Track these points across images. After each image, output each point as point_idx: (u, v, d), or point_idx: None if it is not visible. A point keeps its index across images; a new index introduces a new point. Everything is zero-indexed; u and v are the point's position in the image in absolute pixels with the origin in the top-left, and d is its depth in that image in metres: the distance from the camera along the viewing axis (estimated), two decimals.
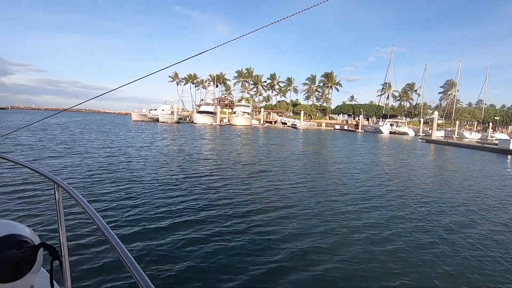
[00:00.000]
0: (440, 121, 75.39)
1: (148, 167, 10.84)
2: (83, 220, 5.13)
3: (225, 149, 18.56)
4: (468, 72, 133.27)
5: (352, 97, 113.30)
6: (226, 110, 69.40)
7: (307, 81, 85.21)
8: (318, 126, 75.32)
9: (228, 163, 13.00)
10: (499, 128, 73.66)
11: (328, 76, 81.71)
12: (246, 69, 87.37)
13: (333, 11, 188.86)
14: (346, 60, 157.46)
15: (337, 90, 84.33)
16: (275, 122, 71.91)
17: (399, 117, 66.28)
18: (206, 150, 17.40)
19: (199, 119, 54.14)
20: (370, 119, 78.69)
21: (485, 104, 71.65)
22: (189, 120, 63.41)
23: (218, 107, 59.20)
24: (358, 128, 66.45)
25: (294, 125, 68.27)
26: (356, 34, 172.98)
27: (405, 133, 58.66)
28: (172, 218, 5.64)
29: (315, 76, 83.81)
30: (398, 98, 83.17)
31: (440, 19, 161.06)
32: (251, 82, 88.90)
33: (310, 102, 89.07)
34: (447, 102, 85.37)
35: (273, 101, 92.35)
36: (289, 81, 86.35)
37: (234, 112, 61.70)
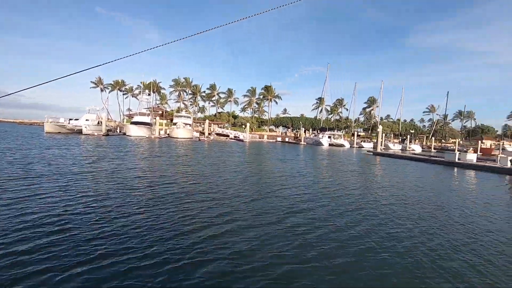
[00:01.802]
0: (362, 133, 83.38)
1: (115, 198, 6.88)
2: None
3: (183, 169, 14.91)
4: (389, 90, 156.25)
5: (285, 110, 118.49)
6: (162, 121, 63.08)
7: (248, 93, 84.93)
8: (260, 138, 74.99)
9: (189, 186, 9.85)
10: (413, 140, 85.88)
11: (267, 89, 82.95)
12: (184, 78, 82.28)
13: (261, 31, 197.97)
14: (275, 75, 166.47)
15: (276, 102, 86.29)
16: (210, 134, 68.53)
17: (336, 130, 70.63)
18: (162, 170, 13.48)
19: (134, 131, 47.17)
20: (307, 131, 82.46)
21: (401, 119, 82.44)
22: (121, 132, 55.19)
23: (157, 118, 53.02)
24: (299, 140, 68.29)
25: (237, 137, 66.27)
26: (283, 52, 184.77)
27: (342, 145, 62.55)
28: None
29: (255, 88, 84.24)
30: (330, 112, 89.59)
31: (362, 44, 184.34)
32: (190, 92, 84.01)
33: (246, 114, 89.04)
34: (365, 117, 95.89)
35: (208, 112, 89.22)
36: (230, 92, 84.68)
37: (174, 124, 56.19)
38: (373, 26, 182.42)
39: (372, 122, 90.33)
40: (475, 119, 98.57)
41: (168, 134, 55.64)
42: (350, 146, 63.05)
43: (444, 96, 72.73)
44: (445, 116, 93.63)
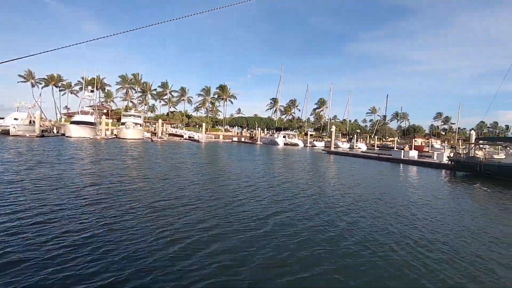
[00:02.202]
0: (311, 133, 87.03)
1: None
2: None
3: (139, 174, 13.74)
4: (337, 92, 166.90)
5: (239, 110, 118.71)
6: (108, 121, 57.88)
7: (202, 92, 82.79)
8: (215, 138, 73.66)
9: (148, 191, 9.08)
10: (359, 139, 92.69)
11: (223, 89, 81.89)
12: (132, 74, 76.73)
13: (215, 28, 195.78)
14: (228, 74, 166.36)
15: (231, 102, 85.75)
16: (163, 134, 65.20)
17: (290, 130, 72.73)
18: (115, 175, 12.13)
19: (75, 132, 42.24)
20: (262, 131, 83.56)
21: (349, 119, 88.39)
22: (58, 132, 49.19)
23: (104, 117, 48.40)
24: (255, 140, 68.79)
25: (192, 137, 64.13)
26: (235, 51, 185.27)
27: (297, 144, 64.72)
28: None
29: (210, 87, 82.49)
30: (284, 112, 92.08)
31: (312, 47, 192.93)
32: (139, 90, 78.72)
33: (200, 114, 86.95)
34: (315, 118, 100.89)
35: (160, 111, 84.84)
36: (183, 91, 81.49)
37: (123, 124, 51.98)
38: (321, 31, 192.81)
39: (322, 123, 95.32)
40: (408, 119, 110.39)
41: (116, 135, 51.28)
42: (304, 145, 65.50)
43: (384, 99, 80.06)
44: (385, 117, 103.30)
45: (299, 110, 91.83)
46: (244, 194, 10.25)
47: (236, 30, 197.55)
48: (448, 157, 23.43)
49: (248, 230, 6.45)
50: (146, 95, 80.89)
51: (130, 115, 55.52)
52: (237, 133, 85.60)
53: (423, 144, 72.86)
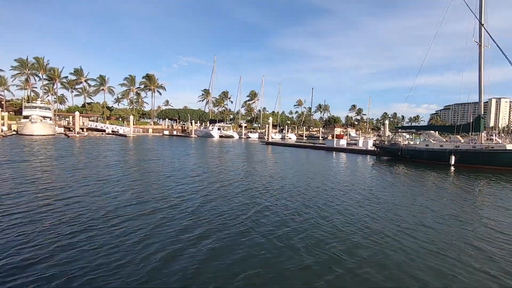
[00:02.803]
0: (244, 125, 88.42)
1: None
2: None
3: (56, 177, 11.67)
4: (268, 85, 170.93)
5: (167, 101, 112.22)
6: (4, 114, 47.09)
7: (126, 82, 74.70)
8: (144, 132, 67.84)
9: (73, 198, 7.85)
10: (289, 130, 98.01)
11: (150, 78, 75.47)
12: (35, 58, 63.83)
13: (136, 14, 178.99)
14: (150, 64, 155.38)
15: (160, 93, 79.98)
16: (82, 129, 56.93)
17: (226, 122, 72.03)
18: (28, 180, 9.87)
19: None
20: (195, 124, 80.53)
21: (279, 111, 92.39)
22: None
23: None
24: (189, 133, 65.99)
25: (116, 131, 57.64)
26: (160, 39, 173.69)
27: (232, 136, 64.59)
28: None
29: (134, 77, 74.99)
30: (216, 104, 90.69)
31: (241, 40, 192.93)
32: (44, 77, 66.21)
33: (122, 106, 78.94)
34: (246, 110, 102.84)
35: (72, 103, 73.56)
36: (102, 79, 71.89)
37: (26, 117, 43.14)
38: (248, 24, 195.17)
39: (253, 114, 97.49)
40: (329, 111, 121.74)
41: (16, 131, 42.30)
42: (239, 137, 65.83)
43: (310, 92, 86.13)
44: (310, 109, 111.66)
45: (232, 102, 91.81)
46: (210, 191, 9.48)
47: (160, 17, 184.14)
48: (374, 144, 26.55)
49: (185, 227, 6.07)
50: (54, 84, 68.67)
51: (36, 107, 46.50)
52: (168, 126, 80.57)
53: (342, 133, 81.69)
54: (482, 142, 19.84)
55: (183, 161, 17.89)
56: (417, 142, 23.74)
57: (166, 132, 69.68)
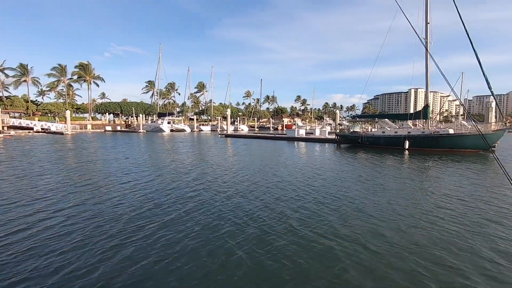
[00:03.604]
0: (192, 117, 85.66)
1: None
2: None
3: None
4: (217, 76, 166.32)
5: (103, 94, 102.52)
6: None
7: (54, 72, 65.00)
8: (81, 128, 60.43)
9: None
10: (239, 121, 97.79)
11: (85, 68, 67.05)
12: None
13: None
14: (77, 52, 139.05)
15: (97, 85, 71.90)
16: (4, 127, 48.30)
17: (175, 115, 68.55)
18: None
19: None
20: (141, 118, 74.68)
21: (230, 102, 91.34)
22: None
23: None
24: (136, 128, 61.14)
25: (46, 129, 50.39)
26: (86, 24, 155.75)
27: (184, 130, 62.05)
28: None
29: (65, 66, 65.70)
30: (163, 96, 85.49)
31: (183, 30, 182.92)
32: None
33: (49, 99, 69.06)
34: (193, 101, 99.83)
35: None
36: (24, 69, 61.23)
37: None
38: (190, 15, 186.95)
39: (201, 107, 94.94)
40: (277, 102, 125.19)
41: None
42: (191, 130, 63.53)
43: (257, 83, 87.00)
44: (258, 100, 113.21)
45: (179, 94, 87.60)
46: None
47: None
48: (335, 133, 28.24)
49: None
50: None
51: None
52: (109, 121, 73.28)
53: (291, 123, 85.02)
54: (429, 128, 22.78)
55: (155, 159, 16.60)
56: (373, 130, 26.08)
57: (109, 128, 63.36)
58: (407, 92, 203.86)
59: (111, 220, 6.32)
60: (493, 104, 28.01)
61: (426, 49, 21.03)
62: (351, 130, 26.05)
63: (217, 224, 6.12)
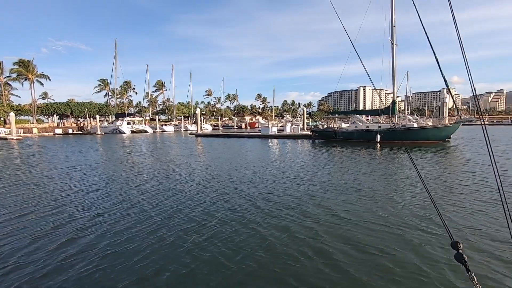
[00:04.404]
0: (157, 117, 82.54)
1: None
2: None
3: None
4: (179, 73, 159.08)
5: (45, 94, 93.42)
6: None
7: None
8: (25, 132, 53.67)
9: None
10: (204, 120, 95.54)
11: (26, 65, 59.62)
12: None
13: None
14: (7, 47, 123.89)
15: (41, 84, 64.56)
16: None
17: (137, 115, 64.70)
18: None
19: None
20: (94, 119, 68.78)
21: (192, 101, 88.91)
22: None
23: None
24: (93, 131, 56.29)
25: None
26: (17, 15, 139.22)
27: (145, 131, 59.02)
28: None
29: (1, 62, 57.68)
30: (119, 96, 79.94)
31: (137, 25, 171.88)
32: None
33: None
34: (150, 101, 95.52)
35: None
36: None
37: None
38: (142, 10, 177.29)
39: (164, 106, 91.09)
40: (238, 100, 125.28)
41: None
42: (154, 131, 60.65)
43: (217, 81, 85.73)
44: (219, 99, 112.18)
45: (136, 94, 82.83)
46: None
47: None
48: (310, 129, 29.40)
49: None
50: None
51: None
52: (57, 124, 66.26)
53: (253, 121, 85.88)
54: (396, 122, 25.02)
55: (137, 164, 15.66)
56: (347, 125, 27.77)
57: (59, 131, 57.31)
58: (357, 90, 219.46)
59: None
60: (447, 100, 31.84)
61: (393, 51, 23.09)
62: (325, 126, 27.49)
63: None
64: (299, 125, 34.47)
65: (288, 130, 35.71)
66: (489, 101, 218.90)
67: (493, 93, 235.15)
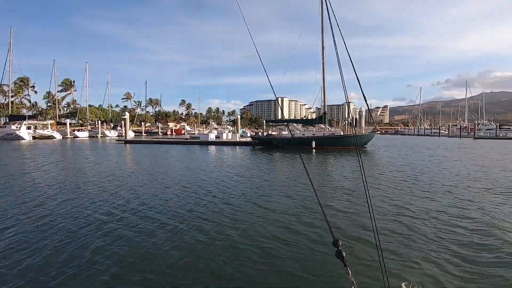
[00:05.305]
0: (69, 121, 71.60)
1: None
2: None
3: None
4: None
5: None
6: None
7: None
8: None
9: None
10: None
11: None
12: None
13: None
14: None
15: None
16: None
17: (40, 118, 54.44)
18: None
19: None
20: None
21: (109, 104, 79.94)
22: None
23: None
24: None
25: None
26: None
27: (52, 137, 50.60)
28: None
29: None
30: (12, 94, 65.78)
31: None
32: None
33: None
34: (47, 102, 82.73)
35: None
36: None
37: None
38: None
39: (73, 108, 79.55)
40: (161, 106, 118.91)
41: None
42: (63, 137, 52.36)
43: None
44: (140, 103, 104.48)
45: (36, 93, 69.88)
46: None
47: None
48: (251, 136, 30.53)
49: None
50: None
51: None
52: None
53: (179, 128, 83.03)
54: (327, 130, 28.48)
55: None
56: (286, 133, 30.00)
57: None
58: (276, 100, 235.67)
59: None
60: (364, 113, 37.74)
61: (323, 68, 26.49)
62: (265, 134, 29.13)
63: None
64: (236, 132, 35.36)
65: (224, 137, 36.19)
66: (378, 114, 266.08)
67: (381, 108, 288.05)
